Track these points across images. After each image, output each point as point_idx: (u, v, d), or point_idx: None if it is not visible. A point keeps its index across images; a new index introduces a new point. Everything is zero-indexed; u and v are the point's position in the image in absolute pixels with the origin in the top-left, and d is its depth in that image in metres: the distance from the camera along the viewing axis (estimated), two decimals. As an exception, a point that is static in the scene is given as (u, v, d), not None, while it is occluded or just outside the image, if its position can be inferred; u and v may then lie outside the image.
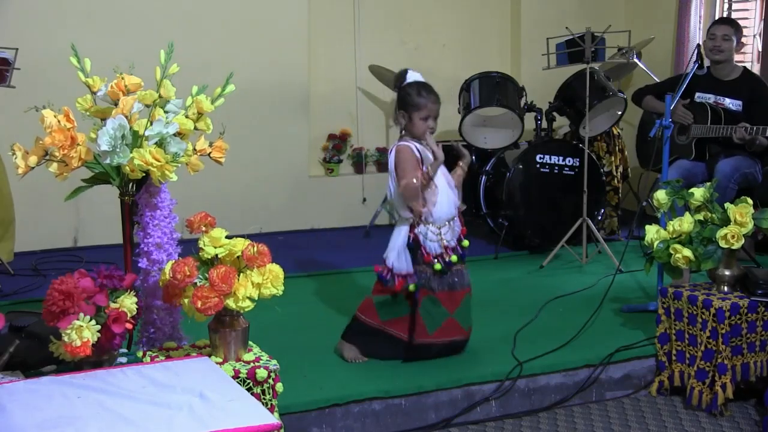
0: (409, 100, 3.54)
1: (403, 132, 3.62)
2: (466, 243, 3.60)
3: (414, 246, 3.51)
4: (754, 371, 3.44)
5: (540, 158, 5.49)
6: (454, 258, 3.52)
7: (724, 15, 6.27)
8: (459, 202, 3.63)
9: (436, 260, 3.50)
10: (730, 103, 5.10)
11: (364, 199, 6.48)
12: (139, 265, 3.06)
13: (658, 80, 5.92)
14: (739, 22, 5.37)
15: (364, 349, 3.63)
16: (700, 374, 3.46)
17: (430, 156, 3.48)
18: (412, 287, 3.52)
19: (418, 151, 3.52)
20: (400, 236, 3.54)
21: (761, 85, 5.17)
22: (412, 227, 3.51)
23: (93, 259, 5.12)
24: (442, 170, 3.55)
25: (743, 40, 5.40)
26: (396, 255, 3.52)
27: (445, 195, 3.53)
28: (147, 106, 2.96)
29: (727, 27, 5.09)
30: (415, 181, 3.43)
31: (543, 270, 5.12)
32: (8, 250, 5.19)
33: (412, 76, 3.62)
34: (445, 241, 3.52)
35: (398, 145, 3.56)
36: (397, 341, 3.60)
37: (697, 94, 5.19)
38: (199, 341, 2.97)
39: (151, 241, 3.04)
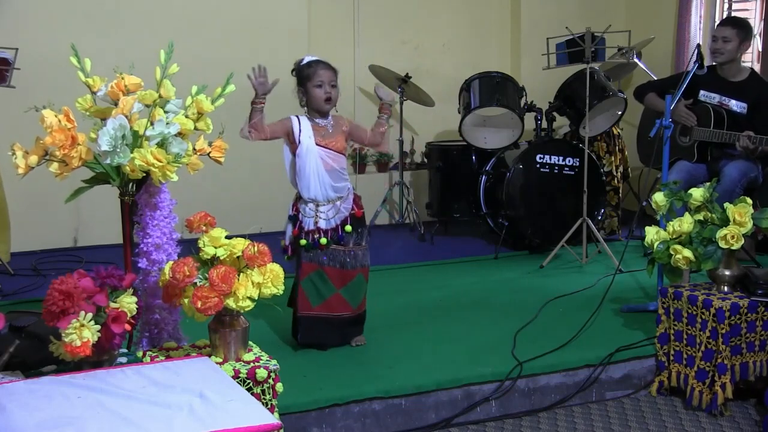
0: (301, 75, 3.74)
1: (306, 109, 3.76)
2: (348, 228, 3.68)
3: (293, 218, 3.69)
4: (752, 371, 3.45)
5: (540, 158, 5.49)
6: (323, 240, 3.63)
7: (724, 15, 6.26)
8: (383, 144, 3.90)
9: (304, 236, 3.64)
10: (735, 105, 5.05)
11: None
12: (139, 265, 3.06)
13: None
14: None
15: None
16: (700, 374, 3.46)
17: (310, 135, 3.65)
18: (286, 258, 3.68)
19: (299, 123, 3.68)
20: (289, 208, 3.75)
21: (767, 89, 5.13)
22: (296, 201, 3.71)
23: (93, 259, 5.13)
24: (326, 154, 3.66)
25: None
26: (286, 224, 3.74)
27: (315, 177, 3.65)
28: (147, 106, 2.96)
29: (727, 29, 5.04)
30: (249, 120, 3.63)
31: (543, 270, 5.13)
32: (5, 251, 5.19)
33: (308, 59, 3.80)
34: (320, 219, 3.64)
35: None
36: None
37: (702, 93, 5.14)
38: (199, 341, 2.97)
39: (151, 242, 3.04)
